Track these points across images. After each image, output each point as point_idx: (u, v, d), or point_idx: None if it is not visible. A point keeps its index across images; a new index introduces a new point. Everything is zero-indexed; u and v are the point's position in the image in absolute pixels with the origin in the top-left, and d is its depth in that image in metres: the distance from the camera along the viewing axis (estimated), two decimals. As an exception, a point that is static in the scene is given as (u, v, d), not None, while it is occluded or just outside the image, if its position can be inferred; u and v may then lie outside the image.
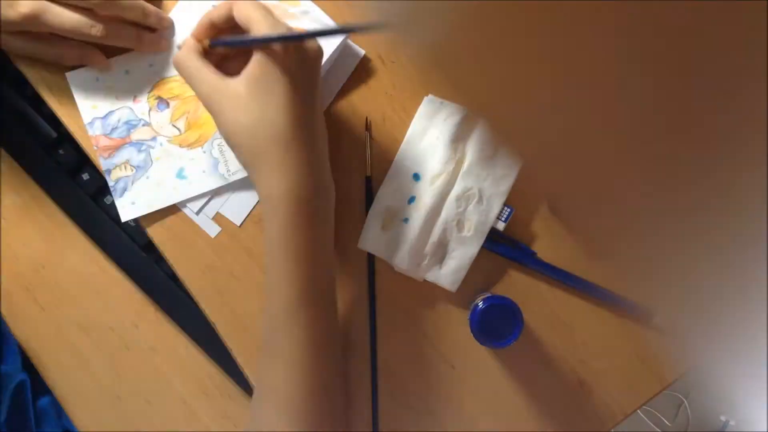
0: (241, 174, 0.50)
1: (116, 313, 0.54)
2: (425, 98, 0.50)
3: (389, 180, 0.49)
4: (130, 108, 0.50)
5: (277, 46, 0.41)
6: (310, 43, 0.42)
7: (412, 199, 0.49)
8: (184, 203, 0.50)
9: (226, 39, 0.43)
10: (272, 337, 0.43)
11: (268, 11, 0.41)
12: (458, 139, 0.49)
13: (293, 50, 0.41)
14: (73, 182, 0.57)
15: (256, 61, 0.41)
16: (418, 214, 0.48)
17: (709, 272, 0.15)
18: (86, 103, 0.50)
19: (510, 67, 0.15)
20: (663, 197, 0.15)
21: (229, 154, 0.50)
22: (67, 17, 0.45)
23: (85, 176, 0.57)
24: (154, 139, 0.50)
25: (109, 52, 0.49)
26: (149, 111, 0.50)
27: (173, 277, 0.52)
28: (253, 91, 0.41)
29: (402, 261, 0.48)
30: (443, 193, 0.48)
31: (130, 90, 0.51)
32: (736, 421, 1.36)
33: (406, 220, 0.49)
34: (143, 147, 0.50)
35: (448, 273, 0.48)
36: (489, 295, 0.47)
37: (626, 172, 0.15)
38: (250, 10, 0.41)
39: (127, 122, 0.50)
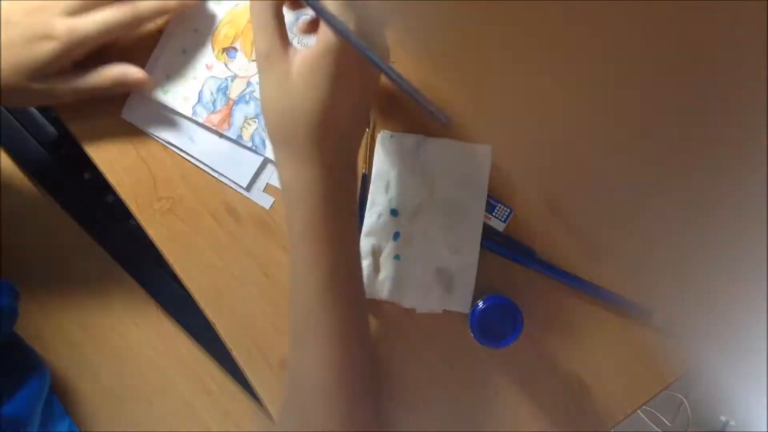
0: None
1: (118, 313, 0.54)
2: (378, 136, 0.50)
3: (369, 222, 0.49)
4: (212, 76, 0.51)
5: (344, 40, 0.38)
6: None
7: (396, 236, 0.49)
8: (231, 180, 0.51)
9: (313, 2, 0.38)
10: (303, 326, 0.43)
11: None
12: (422, 165, 0.49)
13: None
14: (75, 181, 0.57)
15: (318, 48, 0.38)
16: (407, 249, 0.49)
17: (709, 272, 0.15)
18: (177, 100, 0.50)
19: (510, 68, 0.15)
20: (663, 198, 0.15)
21: (311, 41, 0.48)
22: (93, 17, 0.45)
23: (87, 175, 0.58)
24: (249, 84, 0.50)
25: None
26: (226, 66, 0.51)
27: (174, 277, 0.52)
28: (302, 76, 0.39)
29: (407, 299, 0.48)
30: (425, 221, 0.49)
31: (197, 63, 0.51)
32: (736, 421, 1.36)
33: (397, 257, 0.49)
34: (247, 97, 0.50)
35: (456, 295, 0.48)
36: (489, 295, 0.47)
37: (626, 172, 0.15)
38: None
39: (218, 89, 0.50)
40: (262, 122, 0.50)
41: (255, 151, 0.50)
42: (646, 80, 0.13)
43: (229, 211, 0.51)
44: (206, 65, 0.51)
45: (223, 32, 0.51)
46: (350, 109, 0.41)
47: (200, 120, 0.50)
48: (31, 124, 0.57)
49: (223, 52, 0.51)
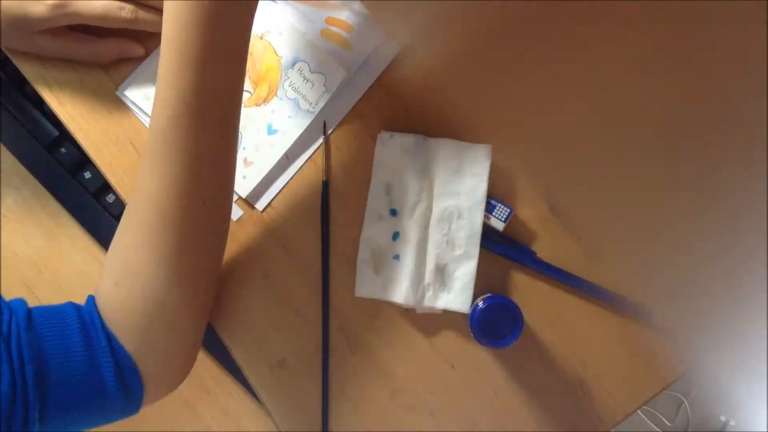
0: (323, 102, 0.50)
1: (117, 312, 0.54)
2: (378, 136, 0.50)
3: (369, 221, 0.49)
4: None
5: None
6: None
7: (396, 235, 0.49)
8: None
9: None
10: (154, 142, 0.40)
11: None
12: (422, 165, 0.49)
13: None
14: (75, 180, 0.57)
15: None
16: (407, 248, 0.49)
17: (709, 273, 0.15)
18: (138, 99, 0.51)
19: (511, 68, 0.15)
20: (663, 198, 0.15)
21: (304, 89, 0.50)
22: (95, 3, 0.46)
23: (87, 174, 0.58)
24: None
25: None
26: None
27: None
28: None
29: (407, 299, 0.48)
30: (425, 221, 0.49)
31: None
32: (736, 421, 1.36)
33: (396, 257, 0.49)
34: None
35: (457, 295, 0.48)
36: (489, 295, 0.47)
37: (626, 172, 0.15)
38: None
39: None
40: None
41: None
42: (647, 82, 0.13)
43: (229, 211, 0.51)
44: None
45: None
46: None
47: None
48: (31, 124, 0.57)
49: None
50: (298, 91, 0.51)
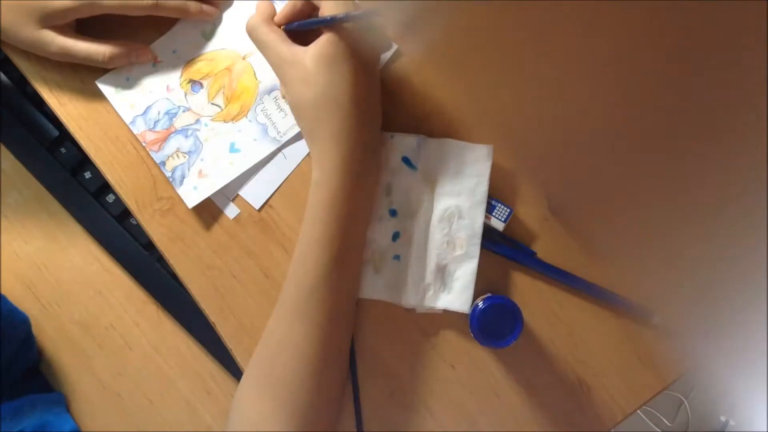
0: (292, 133, 0.50)
1: (118, 312, 0.54)
2: None
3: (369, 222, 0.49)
4: (167, 98, 0.51)
5: (345, 27, 0.43)
6: (375, 29, 0.44)
7: (396, 236, 0.49)
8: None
9: (298, 22, 0.45)
10: (306, 300, 0.44)
11: None
12: (422, 165, 0.49)
13: (360, 33, 0.43)
14: (75, 180, 0.57)
15: (326, 39, 0.43)
16: (407, 248, 0.49)
17: (709, 272, 0.15)
18: (124, 104, 0.51)
19: (511, 68, 0.15)
20: (663, 197, 0.15)
21: (276, 117, 0.50)
22: None
23: (87, 174, 0.58)
24: (197, 122, 0.51)
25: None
26: (185, 96, 0.51)
27: (174, 276, 0.52)
28: (319, 68, 0.43)
29: (407, 299, 0.48)
30: (425, 221, 0.49)
31: (161, 81, 0.51)
32: (736, 421, 1.36)
33: (397, 257, 0.49)
34: (189, 132, 0.50)
35: (457, 295, 0.48)
36: (489, 295, 0.47)
37: (626, 172, 0.15)
38: None
39: (167, 112, 0.51)
40: (191, 160, 0.50)
41: (171, 182, 0.50)
42: (647, 81, 0.13)
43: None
44: (167, 86, 0.51)
45: (197, 66, 0.51)
46: (366, 84, 0.45)
47: (135, 131, 0.50)
48: (31, 124, 0.57)
49: (188, 82, 0.51)
50: (269, 118, 0.50)
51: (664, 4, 0.12)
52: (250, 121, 0.50)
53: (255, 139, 0.50)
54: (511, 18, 0.14)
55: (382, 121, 0.48)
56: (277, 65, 0.45)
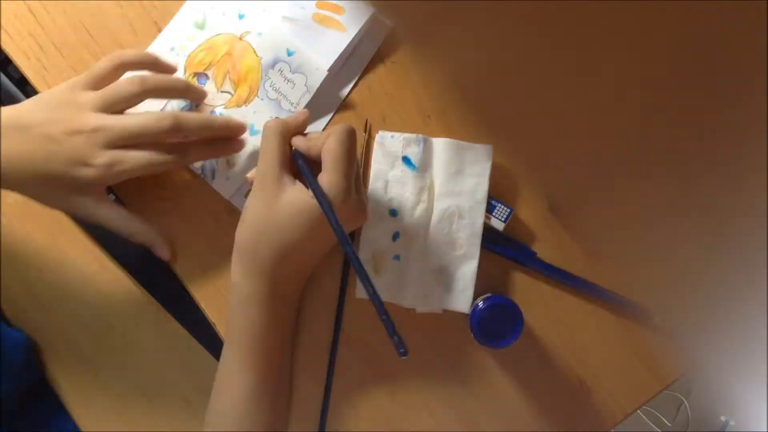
0: (306, 99, 0.50)
1: (117, 312, 0.54)
2: (377, 135, 0.50)
3: (368, 224, 0.49)
4: None
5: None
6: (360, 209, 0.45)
7: (396, 236, 0.49)
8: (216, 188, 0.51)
9: (304, 165, 0.44)
10: (227, 426, 0.46)
11: (350, 167, 0.43)
12: (422, 165, 0.49)
13: (348, 207, 0.43)
14: (75, 181, 0.57)
15: (312, 202, 0.42)
16: (407, 249, 0.49)
17: (709, 272, 0.15)
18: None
19: (510, 67, 0.15)
20: (663, 197, 0.15)
21: (285, 89, 0.50)
22: (141, 156, 0.45)
23: (87, 175, 0.57)
24: (212, 112, 0.50)
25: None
26: None
27: (174, 277, 0.52)
28: (288, 211, 0.43)
29: (407, 299, 0.48)
30: (425, 221, 0.49)
31: None
32: (736, 421, 1.36)
33: (396, 257, 0.49)
34: None
35: (457, 295, 0.48)
36: (489, 295, 0.47)
37: (626, 172, 0.15)
38: (336, 153, 0.42)
39: (181, 110, 0.50)
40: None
41: (203, 178, 0.50)
42: (648, 81, 0.13)
43: (229, 212, 0.51)
44: None
45: (198, 57, 0.51)
46: (312, 256, 0.47)
47: None
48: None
49: (194, 76, 0.51)
50: (279, 92, 0.50)
51: (664, 4, 0.12)
52: (262, 99, 0.50)
53: (271, 116, 0.50)
54: (511, 18, 0.14)
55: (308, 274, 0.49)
56: (261, 173, 0.44)
